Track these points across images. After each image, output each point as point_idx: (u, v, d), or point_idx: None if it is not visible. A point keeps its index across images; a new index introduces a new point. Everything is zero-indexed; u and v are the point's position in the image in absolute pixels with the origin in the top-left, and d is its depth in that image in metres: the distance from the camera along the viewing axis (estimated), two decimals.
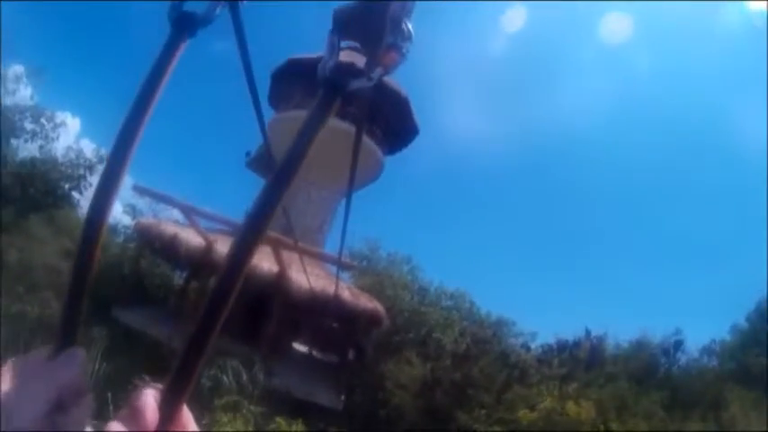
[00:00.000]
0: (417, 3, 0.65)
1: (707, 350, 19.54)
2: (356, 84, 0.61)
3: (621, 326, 25.93)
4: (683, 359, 18.87)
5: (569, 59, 53.41)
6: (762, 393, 13.70)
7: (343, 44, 0.70)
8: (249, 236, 0.56)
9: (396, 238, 50.63)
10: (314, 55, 23.31)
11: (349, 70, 0.62)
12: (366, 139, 21.12)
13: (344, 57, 0.64)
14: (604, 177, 60.74)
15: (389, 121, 23.34)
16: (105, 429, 0.51)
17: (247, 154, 25.63)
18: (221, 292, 0.54)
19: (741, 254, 49.41)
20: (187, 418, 0.55)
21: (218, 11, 0.70)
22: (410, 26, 0.64)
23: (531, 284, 50.87)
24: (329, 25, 0.71)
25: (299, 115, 22.32)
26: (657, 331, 19.31)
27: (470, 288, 25.11)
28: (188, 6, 0.68)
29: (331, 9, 0.78)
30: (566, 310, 45.02)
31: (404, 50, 0.64)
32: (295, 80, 21.79)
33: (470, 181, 66.21)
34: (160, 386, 0.54)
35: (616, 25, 39.05)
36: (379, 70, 0.63)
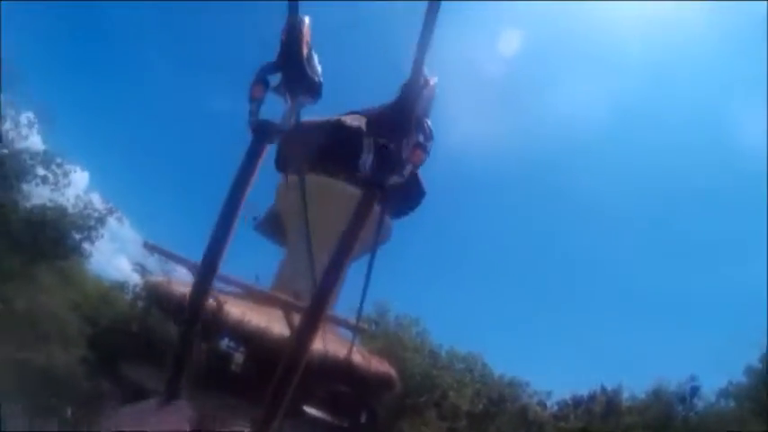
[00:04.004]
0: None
1: (724, 393, 19.12)
2: (392, 180, 0.68)
3: (636, 377, 25.14)
4: (700, 404, 18.47)
5: (563, 67, 52.38)
6: None
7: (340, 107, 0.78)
8: (313, 315, 0.70)
9: (404, 301, 49.02)
10: (322, 118, 23.95)
11: (385, 167, 0.67)
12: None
13: (351, 120, 0.77)
14: (614, 226, 59.21)
15: (397, 186, 23.68)
16: None
17: (254, 218, 25.92)
18: (293, 355, 0.68)
19: (747, 296, 48.19)
20: None
21: (292, 120, 0.74)
22: (431, 125, 0.70)
23: (542, 343, 49.12)
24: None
25: (309, 180, 22.58)
26: (672, 379, 19.07)
27: (480, 349, 24.65)
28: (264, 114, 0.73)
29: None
30: (579, 367, 43.43)
31: (428, 149, 0.69)
32: (305, 143, 22.22)
33: (474, 241, 65.05)
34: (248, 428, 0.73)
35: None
36: (409, 167, 0.70)
